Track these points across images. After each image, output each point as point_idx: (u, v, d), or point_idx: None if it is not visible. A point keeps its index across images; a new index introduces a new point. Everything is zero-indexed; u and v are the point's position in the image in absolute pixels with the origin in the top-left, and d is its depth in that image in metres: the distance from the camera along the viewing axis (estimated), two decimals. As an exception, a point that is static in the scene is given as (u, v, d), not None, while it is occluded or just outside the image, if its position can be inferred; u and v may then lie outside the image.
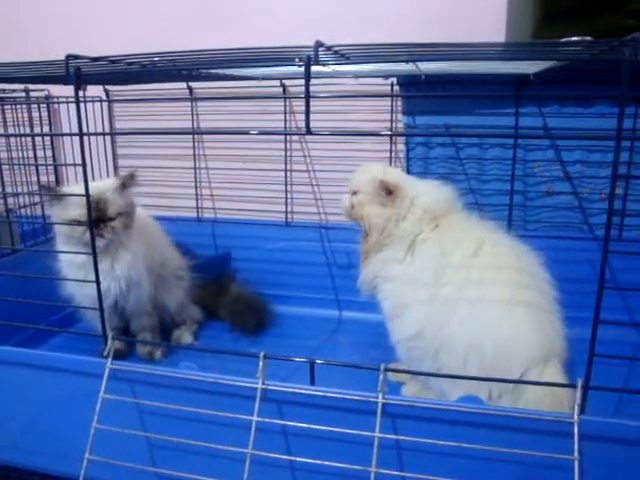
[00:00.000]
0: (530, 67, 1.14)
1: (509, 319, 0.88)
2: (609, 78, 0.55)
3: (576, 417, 0.63)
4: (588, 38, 0.67)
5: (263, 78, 1.38)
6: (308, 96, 0.64)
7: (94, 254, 0.81)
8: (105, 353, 0.80)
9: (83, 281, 0.99)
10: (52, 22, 1.66)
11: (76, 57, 0.72)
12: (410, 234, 0.99)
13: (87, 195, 0.79)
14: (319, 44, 0.64)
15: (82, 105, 0.96)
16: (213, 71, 1.17)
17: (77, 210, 1.04)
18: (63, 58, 0.73)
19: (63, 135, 1.64)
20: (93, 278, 1.05)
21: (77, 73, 0.70)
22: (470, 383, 0.85)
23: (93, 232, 0.81)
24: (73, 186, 1.13)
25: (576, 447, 0.62)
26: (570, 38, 0.68)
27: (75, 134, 0.75)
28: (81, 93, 0.74)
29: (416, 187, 1.03)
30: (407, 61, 0.79)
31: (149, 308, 1.25)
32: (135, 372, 0.79)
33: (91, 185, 1.12)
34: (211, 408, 0.74)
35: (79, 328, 1.33)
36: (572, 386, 0.67)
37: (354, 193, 1.05)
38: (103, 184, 1.11)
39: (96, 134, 1.24)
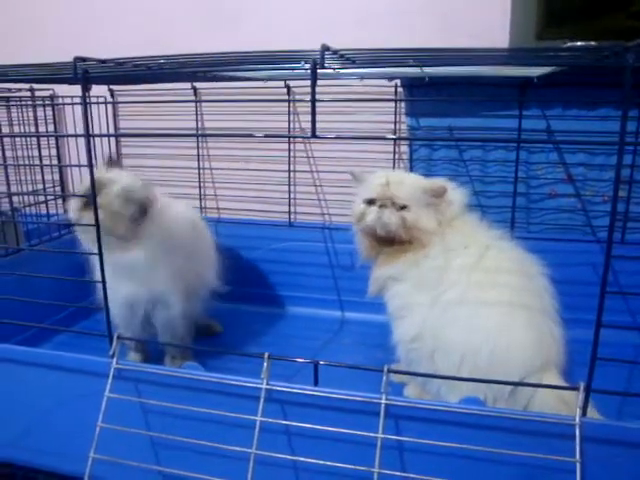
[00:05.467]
0: (534, 70, 1.14)
1: (506, 328, 0.88)
2: (613, 81, 0.56)
3: (578, 419, 0.64)
4: (592, 43, 0.67)
5: (268, 79, 1.39)
6: (314, 100, 0.64)
7: (100, 254, 0.81)
8: (110, 352, 0.80)
9: (92, 282, 0.99)
10: (57, 24, 1.67)
11: (84, 59, 0.72)
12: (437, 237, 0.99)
13: (93, 194, 0.80)
14: (325, 48, 0.65)
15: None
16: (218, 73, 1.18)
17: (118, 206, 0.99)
18: (70, 60, 0.74)
19: (71, 136, 1.65)
20: (120, 283, 1.03)
21: (85, 75, 0.71)
22: (465, 388, 0.85)
23: (100, 232, 0.81)
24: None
25: (578, 449, 0.63)
26: (574, 43, 0.68)
27: (82, 135, 0.76)
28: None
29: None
30: (412, 66, 0.79)
31: (180, 330, 1.15)
32: (140, 372, 0.80)
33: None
34: (215, 408, 0.75)
35: (83, 326, 1.34)
36: (574, 389, 0.67)
37: (402, 208, 0.99)
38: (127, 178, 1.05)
39: (103, 135, 1.24)
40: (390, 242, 1.02)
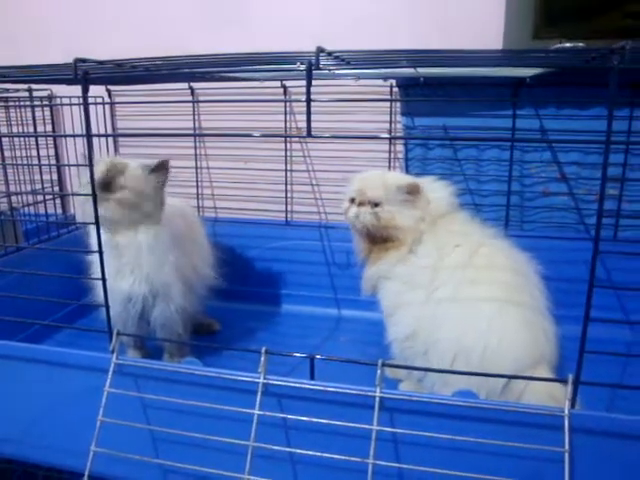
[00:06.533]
0: (527, 70, 1.16)
1: (498, 326, 0.90)
2: (604, 81, 0.58)
3: (567, 411, 0.66)
4: (581, 44, 0.69)
5: (264, 79, 1.40)
6: (309, 100, 0.66)
7: (100, 252, 0.83)
8: (111, 348, 0.82)
9: (92, 279, 1.00)
10: (55, 25, 1.68)
11: (84, 60, 0.74)
12: (423, 234, 1.00)
13: (93, 193, 0.81)
14: (320, 49, 0.66)
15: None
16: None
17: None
18: (67, 61, 0.76)
19: (71, 136, 1.66)
20: (121, 278, 1.05)
21: (85, 77, 0.72)
22: (458, 385, 0.87)
23: (99, 228, 0.82)
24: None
25: (566, 440, 0.65)
26: (563, 44, 0.70)
27: (82, 135, 0.77)
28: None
29: (426, 186, 1.04)
30: (406, 67, 0.81)
31: (179, 327, 1.15)
32: (140, 367, 0.81)
33: (110, 160, 1.06)
34: (214, 402, 0.76)
35: (82, 325, 1.35)
36: (563, 381, 0.69)
37: (375, 205, 1.02)
38: (118, 162, 1.06)
39: (103, 135, 1.25)
40: (374, 240, 1.04)
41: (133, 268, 1.05)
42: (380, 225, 1.01)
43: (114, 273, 1.03)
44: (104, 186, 1.01)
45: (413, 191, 1.00)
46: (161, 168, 1.09)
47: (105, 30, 1.63)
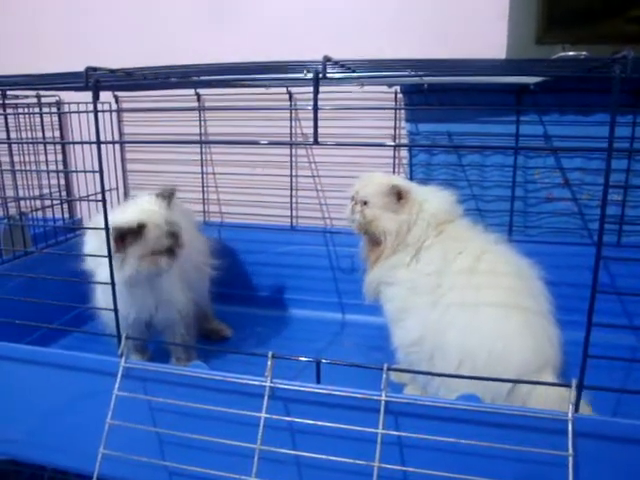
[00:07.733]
0: (530, 77, 1.17)
1: (503, 331, 0.90)
2: (607, 87, 0.59)
3: (570, 415, 0.66)
4: (583, 52, 0.70)
5: (270, 85, 1.41)
6: (316, 108, 0.67)
7: (109, 257, 0.84)
8: (119, 352, 0.83)
9: (102, 283, 1.01)
10: (65, 34, 1.70)
11: (95, 69, 0.75)
12: (419, 240, 1.01)
13: (103, 199, 0.82)
14: (327, 58, 0.67)
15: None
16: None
17: (160, 242, 1.01)
18: (74, 67, 0.78)
19: (80, 143, 1.67)
20: (131, 304, 1.07)
21: (96, 85, 0.74)
22: (463, 390, 0.88)
23: (109, 238, 0.84)
24: (118, 214, 1.04)
25: (570, 444, 0.65)
26: (567, 51, 0.71)
27: (92, 142, 0.78)
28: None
29: (422, 192, 1.06)
30: (411, 76, 0.82)
31: (181, 327, 1.18)
32: (148, 370, 0.82)
33: (150, 210, 1.05)
34: (221, 405, 0.77)
35: (88, 329, 1.35)
36: (567, 386, 0.70)
37: (364, 204, 1.06)
38: (157, 209, 1.05)
39: (111, 142, 1.27)
40: (372, 243, 1.07)
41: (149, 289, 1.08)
42: (365, 223, 1.06)
43: (127, 293, 1.05)
44: (169, 251, 1.03)
45: (397, 195, 1.03)
46: (171, 194, 1.10)
47: (112, 36, 1.65)
